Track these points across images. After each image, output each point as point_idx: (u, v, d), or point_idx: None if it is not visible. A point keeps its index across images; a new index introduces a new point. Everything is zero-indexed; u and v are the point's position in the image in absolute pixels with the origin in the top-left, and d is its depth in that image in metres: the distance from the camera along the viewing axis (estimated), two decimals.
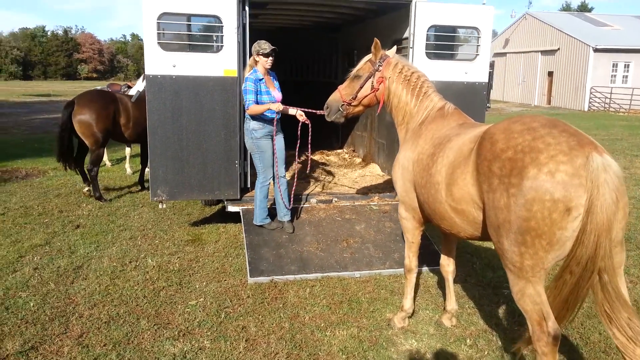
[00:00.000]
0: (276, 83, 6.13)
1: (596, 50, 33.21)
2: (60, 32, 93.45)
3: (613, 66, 33.97)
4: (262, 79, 5.84)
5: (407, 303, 4.49)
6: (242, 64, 6.47)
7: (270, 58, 5.82)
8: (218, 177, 6.51)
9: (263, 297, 4.96)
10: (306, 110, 5.90)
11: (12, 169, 11.26)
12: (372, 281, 5.42)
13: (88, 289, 5.08)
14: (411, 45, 6.72)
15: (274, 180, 6.23)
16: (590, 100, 33.93)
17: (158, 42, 6.08)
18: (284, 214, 6.27)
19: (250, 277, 5.37)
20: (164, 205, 6.60)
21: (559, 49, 36.30)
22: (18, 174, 10.73)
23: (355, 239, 6.12)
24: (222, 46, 6.27)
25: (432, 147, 3.79)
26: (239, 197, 6.65)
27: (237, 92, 6.34)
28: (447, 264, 4.52)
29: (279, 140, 6.13)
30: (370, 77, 4.39)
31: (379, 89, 4.37)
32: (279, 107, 5.81)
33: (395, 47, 4.80)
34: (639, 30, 36.90)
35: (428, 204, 3.76)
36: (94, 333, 4.26)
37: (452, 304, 4.52)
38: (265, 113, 5.83)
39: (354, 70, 4.54)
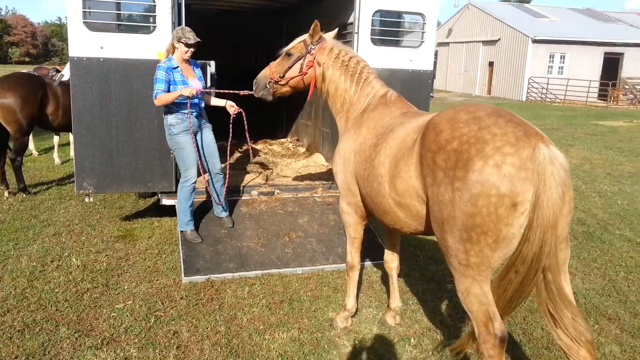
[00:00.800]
0: (197, 71, 5.56)
1: (534, 41, 34.22)
2: None
3: (550, 57, 35.12)
4: (177, 67, 5.27)
5: (350, 302, 4.30)
6: None
7: (192, 50, 5.26)
8: (151, 168, 6.08)
9: (198, 298, 4.64)
10: (228, 92, 5.54)
11: None
12: (315, 278, 5.20)
13: (1, 293, 4.58)
14: (356, 31, 6.49)
15: (210, 177, 5.84)
16: (528, 90, 35.02)
17: (84, 22, 5.54)
18: (220, 210, 5.93)
19: (185, 276, 5.02)
20: (91, 199, 6.12)
21: (499, 39, 37.20)
22: None
23: (298, 233, 5.86)
24: (155, 27, 5.80)
25: (375, 137, 3.60)
26: (174, 189, 6.23)
27: None
28: (391, 260, 4.36)
29: (206, 133, 5.67)
30: (300, 59, 4.16)
31: (307, 73, 4.14)
32: (192, 91, 5.13)
33: (335, 31, 4.52)
34: (575, 22, 38.36)
35: (371, 197, 3.57)
36: (5, 344, 3.82)
37: (396, 301, 4.37)
38: (180, 110, 5.29)
39: (286, 48, 4.31)
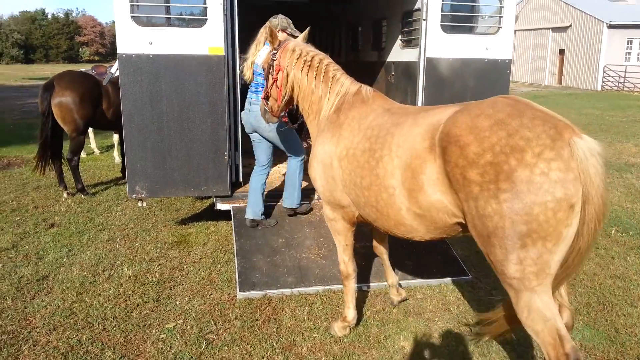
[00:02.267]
0: None
1: (610, 26, 31.91)
2: (61, 15, 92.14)
3: (628, 43, 32.68)
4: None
5: (350, 313, 4.03)
6: (231, 40, 5.64)
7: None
8: (205, 170, 5.72)
9: (253, 319, 4.20)
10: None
11: None
12: (382, 296, 4.66)
13: (49, 307, 4.33)
14: (424, 17, 5.84)
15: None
16: (604, 79, 32.74)
17: (131, 16, 5.23)
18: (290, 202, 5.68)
19: (240, 291, 4.61)
20: (144, 204, 5.83)
21: (570, 25, 35.00)
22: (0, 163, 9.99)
23: (362, 244, 5.31)
24: (206, 20, 5.41)
25: (367, 141, 3.37)
26: (229, 193, 5.86)
27: (224, 73, 5.51)
28: (379, 246, 4.46)
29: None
30: (270, 68, 4.02)
31: (277, 78, 3.95)
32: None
33: (305, 32, 4.23)
34: None
35: (376, 208, 3.34)
36: None
37: (391, 277, 4.48)
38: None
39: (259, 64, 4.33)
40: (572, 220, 2.54)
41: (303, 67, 3.83)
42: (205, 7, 5.39)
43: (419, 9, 6.11)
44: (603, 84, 32.74)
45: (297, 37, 5.00)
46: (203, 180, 5.74)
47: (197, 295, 4.62)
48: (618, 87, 32.17)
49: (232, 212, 5.73)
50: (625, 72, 31.79)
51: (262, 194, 5.59)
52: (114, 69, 7.47)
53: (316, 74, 3.80)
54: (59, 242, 5.76)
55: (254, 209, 5.51)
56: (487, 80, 6.09)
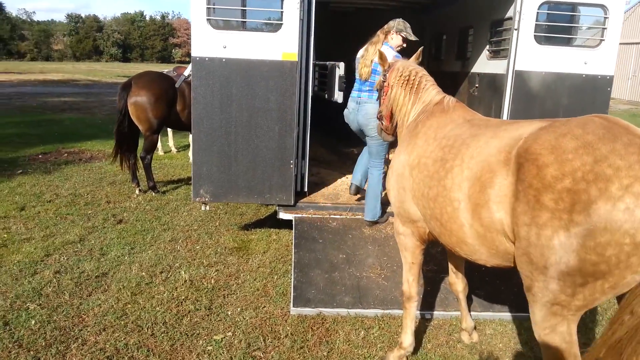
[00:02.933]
0: None
1: None
2: (158, 17, 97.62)
3: None
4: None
5: (407, 339, 3.72)
6: (305, 47, 5.46)
7: (404, 45, 5.35)
8: (270, 178, 5.57)
9: (304, 338, 3.96)
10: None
11: (79, 150, 11.06)
12: (447, 327, 4.27)
13: (104, 306, 4.32)
14: (516, 27, 5.37)
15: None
16: None
17: (207, 19, 5.18)
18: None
19: (294, 306, 4.39)
20: (207, 207, 5.77)
21: None
22: (83, 156, 10.47)
23: (429, 266, 4.95)
24: (281, 24, 5.27)
25: (440, 150, 3.17)
26: (292, 202, 5.67)
27: (296, 79, 5.33)
28: (455, 282, 4.05)
29: None
30: (381, 90, 4.09)
31: (386, 99, 3.99)
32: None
33: (418, 52, 4.20)
34: None
35: (440, 222, 3.11)
36: None
37: (467, 321, 4.08)
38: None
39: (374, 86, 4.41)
40: None
41: (402, 84, 3.83)
42: (282, 12, 5.24)
43: (510, 18, 5.65)
44: None
45: (412, 40, 5.36)
46: (267, 188, 5.59)
47: (249, 306, 4.44)
48: None
49: (293, 222, 5.53)
50: None
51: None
52: (187, 72, 7.55)
53: (411, 87, 3.78)
54: (123, 239, 5.83)
55: (355, 176, 5.81)
56: (583, 98, 5.52)
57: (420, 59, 4.15)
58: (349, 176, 7.14)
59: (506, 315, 4.51)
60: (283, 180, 5.58)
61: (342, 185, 6.71)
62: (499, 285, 4.81)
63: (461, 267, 4.01)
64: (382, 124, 4.17)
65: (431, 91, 3.69)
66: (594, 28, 5.65)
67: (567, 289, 2.40)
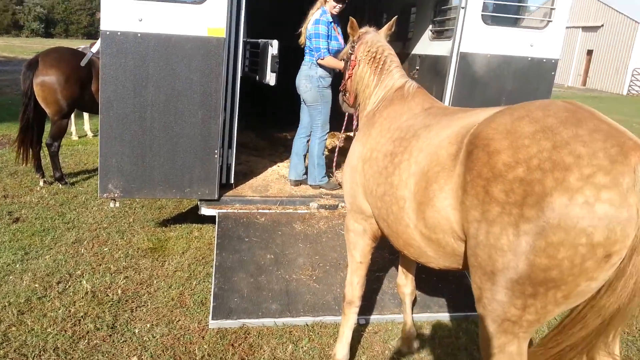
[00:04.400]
0: (339, 29, 5.52)
1: None
2: None
3: None
4: (332, 21, 5.32)
5: (341, 350, 3.38)
6: (235, 21, 4.85)
7: (340, 6, 5.26)
8: (191, 170, 4.95)
9: (224, 359, 3.43)
10: None
11: None
12: (383, 332, 3.90)
13: None
14: (463, 5, 4.98)
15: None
16: (631, 83, 31.35)
17: None
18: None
19: (213, 318, 3.85)
20: (117, 204, 5.07)
21: (602, 25, 33.57)
22: None
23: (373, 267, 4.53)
24: None
25: (391, 143, 2.87)
26: (216, 196, 5.08)
27: (223, 58, 4.72)
28: (404, 284, 3.73)
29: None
30: (348, 61, 3.72)
31: (352, 73, 3.65)
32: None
33: (391, 22, 3.79)
34: None
35: (387, 222, 2.83)
36: None
37: (409, 327, 3.73)
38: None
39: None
40: (599, 274, 1.95)
41: (368, 60, 3.50)
42: None
43: None
44: (630, 88, 31.36)
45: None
46: (187, 181, 4.97)
47: (161, 321, 3.86)
48: None
49: (217, 219, 4.95)
50: None
51: (304, 156, 5.81)
52: (95, 48, 6.68)
53: (376, 66, 3.45)
54: (17, 242, 5.03)
55: (296, 170, 5.78)
56: (527, 82, 5.25)
57: (393, 30, 3.82)
58: (281, 164, 6.63)
59: (444, 316, 4.20)
60: (206, 172, 4.98)
61: (272, 175, 6.16)
62: (435, 282, 4.48)
63: (412, 269, 3.72)
64: (344, 95, 3.91)
65: (394, 74, 3.36)
66: (543, 8, 5.38)
67: (516, 300, 2.09)
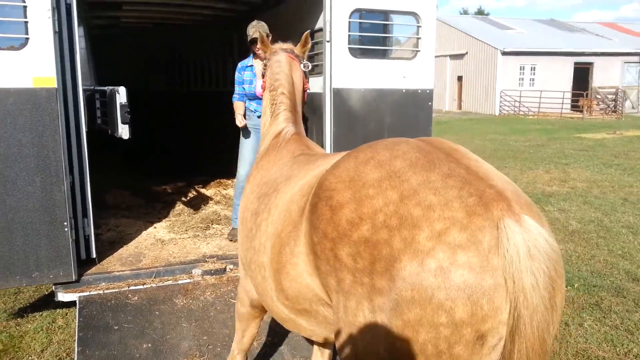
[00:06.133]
0: None
1: (504, 53, 33.38)
2: None
3: (520, 69, 34.33)
4: (251, 65, 5.17)
5: None
6: (70, 68, 4.12)
7: (255, 46, 4.92)
8: (36, 249, 4.08)
9: None
10: None
11: None
12: None
13: None
14: (327, 38, 4.70)
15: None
16: (501, 104, 34.07)
17: None
18: None
19: None
20: None
21: (467, 52, 36.31)
22: None
23: (264, 338, 3.92)
24: (27, 39, 3.85)
25: (257, 201, 2.55)
26: (74, 277, 4.23)
27: (57, 112, 3.97)
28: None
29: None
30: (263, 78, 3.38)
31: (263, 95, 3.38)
32: (241, 122, 5.24)
33: (304, 36, 3.39)
34: (541, 33, 37.83)
35: (258, 292, 2.50)
36: None
37: None
38: (247, 106, 5.32)
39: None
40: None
41: (270, 92, 3.18)
42: (26, 22, 3.84)
43: (321, 29, 4.95)
44: (500, 108, 34.01)
45: (249, 40, 4.92)
46: (33, 264, 4.09)
47: None
48: (514, 111, 33.53)
49: (77, 306, 4.10)
50: (520, 96, 33.25)
51: None
52: None
53: (271, 104, 3.14)
54: None
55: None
56: (406, 114, 5.05)
57: (309, 45, 3.47)
58: (158, 225, 5.87)
59: None
60: (56, 249, 4.14)
61: (147, 240, 5.38)
62: None
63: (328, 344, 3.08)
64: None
65: (279, 119, 3.05)
66: (411, 39, 5.27)
67: None
